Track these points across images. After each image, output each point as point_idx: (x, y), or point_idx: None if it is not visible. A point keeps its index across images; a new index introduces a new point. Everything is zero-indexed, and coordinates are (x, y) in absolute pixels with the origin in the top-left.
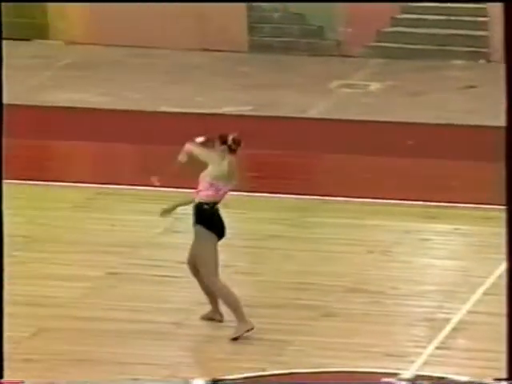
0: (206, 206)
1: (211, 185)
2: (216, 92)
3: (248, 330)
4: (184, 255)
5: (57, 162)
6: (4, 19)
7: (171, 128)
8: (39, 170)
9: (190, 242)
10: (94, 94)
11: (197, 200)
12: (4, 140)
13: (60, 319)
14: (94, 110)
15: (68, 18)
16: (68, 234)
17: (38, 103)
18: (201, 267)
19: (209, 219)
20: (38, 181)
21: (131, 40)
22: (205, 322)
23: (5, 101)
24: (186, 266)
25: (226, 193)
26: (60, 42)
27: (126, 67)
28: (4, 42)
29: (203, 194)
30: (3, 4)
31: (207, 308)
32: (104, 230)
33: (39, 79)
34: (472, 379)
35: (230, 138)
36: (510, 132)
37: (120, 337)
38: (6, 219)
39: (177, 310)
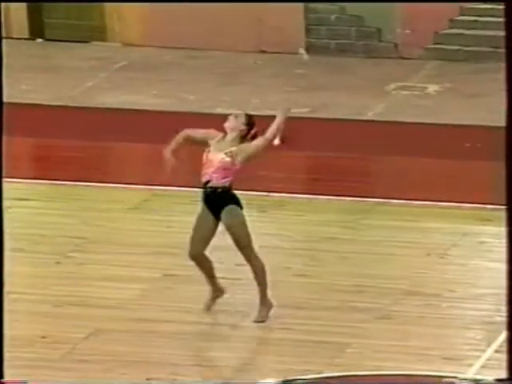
0: (232, 190)
1: (236, 169)
2: (272, 94)
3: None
4: (240, 257)
5: (113, 163)
6: (63, 21)
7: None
8: (95, 172)
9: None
10: (149, 95)
11: (223, 184)
12: (60, 142)
13: (116, 320)
14: (150, 111)
15: (125, 20)
16: (124, 236)
17: (93, 105)
18: (244, 245)
19: (239, 200)
20: (93, 182)
21: (188, 42)
22: (261, 325)
23: (61, 102)
24: (242, 268)
25: None
26: (117, 44)
27: (183, 69)
28: (62, 44)
29: (231, 179)
30: (64, 7)
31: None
32: (160, 231)
33: (95, 81)
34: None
35: (255, 130)
36: (510, 132)
37: (175, 338)
38: (62, 220)
39: (233, 312)
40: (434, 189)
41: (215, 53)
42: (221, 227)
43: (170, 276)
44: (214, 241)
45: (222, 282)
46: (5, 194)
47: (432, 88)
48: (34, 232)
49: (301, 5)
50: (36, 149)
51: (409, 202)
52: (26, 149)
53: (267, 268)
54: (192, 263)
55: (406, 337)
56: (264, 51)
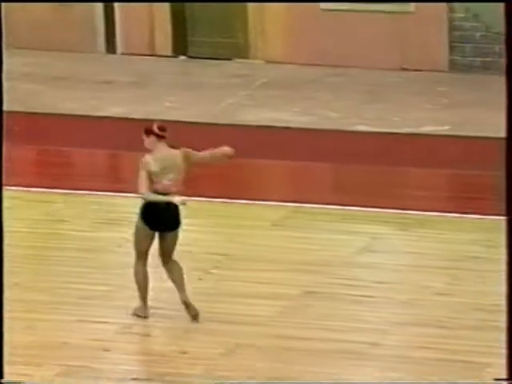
0: None
1: None
2: (414, 112)
3: (140, 315)
4: (380, 275)
5: (255, 180)
6: (207, 39)
7: (367, 148)
8: (238, 189)
9: (387, 262)
10: (291, 113)
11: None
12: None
13: (256, 337)
14: (292, 128)
15: (268, 38)
16: (265, 253)
17: (234, 122)
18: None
19: None
20: (236, 199)
21: (329, 59)
22: (402, 343)
23: (203, 119)
24: (379, 286)
25: None
26: (260, 61)
27: (324, 86)
28: (205, 62)
29: None
30: (208, 25)
31: (404, 328)
32: (301, 248)
33: (236, 98)
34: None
35: (155, 126)
36: (510, 139)
37: (315, 356)
38: (205, 237)
39: (373, 330)
40: None
41: (356, 70)
42: (360, 248)
43: (310, 293)
44: (353, 258)
45: (358, 300)
46: None
47: None
48: (179, 248)
49: (445, 23)
50: None
51: None
52: None
53: (407, 286)
54: (332, 280)
55: None
56: (405, 69)
